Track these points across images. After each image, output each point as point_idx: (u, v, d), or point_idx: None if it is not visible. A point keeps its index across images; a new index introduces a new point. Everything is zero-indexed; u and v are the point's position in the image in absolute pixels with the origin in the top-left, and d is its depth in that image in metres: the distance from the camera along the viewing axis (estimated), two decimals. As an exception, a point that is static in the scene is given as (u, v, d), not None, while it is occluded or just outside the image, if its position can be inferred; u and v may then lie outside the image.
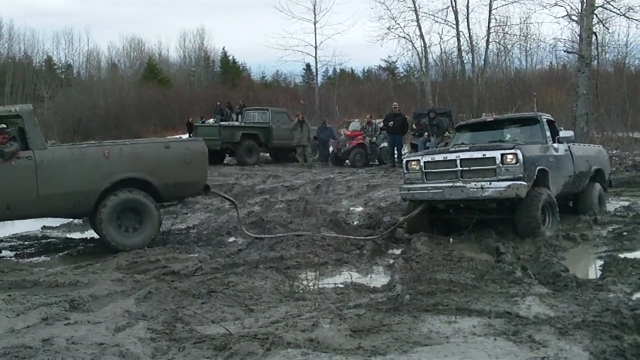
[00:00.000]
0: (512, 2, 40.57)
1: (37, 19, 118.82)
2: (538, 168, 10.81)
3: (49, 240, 12.67)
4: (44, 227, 13.73)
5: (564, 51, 35.15)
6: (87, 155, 10.78)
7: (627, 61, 41.24)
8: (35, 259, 10.80)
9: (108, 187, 10.68)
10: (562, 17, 31.96)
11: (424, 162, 11.30)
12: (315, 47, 51.11)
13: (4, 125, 10.41)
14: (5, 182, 10.13)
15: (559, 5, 31.99)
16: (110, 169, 10.72)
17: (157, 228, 11.10)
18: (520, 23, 44.60)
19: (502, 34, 42.56)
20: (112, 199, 10.67)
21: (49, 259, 10.75)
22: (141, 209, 10.87)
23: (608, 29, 31.58)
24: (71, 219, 13.95)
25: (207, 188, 11.78)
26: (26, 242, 12.32)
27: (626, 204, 14.91)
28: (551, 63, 53.54)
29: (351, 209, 15.31)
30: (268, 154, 32.16)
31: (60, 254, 11.04)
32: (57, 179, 10.40)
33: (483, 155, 10.75)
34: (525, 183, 10.35)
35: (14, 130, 10.64)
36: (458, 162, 10.87)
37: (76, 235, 13.40)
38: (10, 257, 11.05)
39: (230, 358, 5.36)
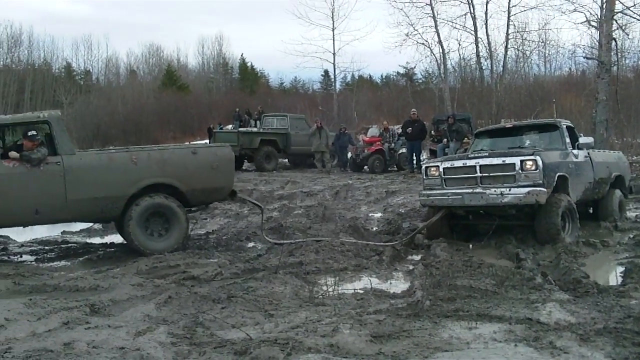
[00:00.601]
0: (530, 9, 40.57)
1: (57, 26, 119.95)
2: (558, 174, 10.76)
3: (69, 245, 12.73)
4: (63, 232, 13.81)
5: (584, 57, 35.01)
6: (115, 161, 10.87)
7: (646, 67, 41.01)
8: (55, 263, 10.85)
9: (136, 192, 10.76)
10: (581, 23, 32.01)
11: (444, 168, 11.28)
12: (334, 54, 51.11)
13: (34, 132, 10.51)
14: (34, 187, 10.24)
15: (578, 12, 32.01)
16: (138, 174, 10.80)
17: (185, 233, 11.16)
18: (539, 29, 44.22)
19: (520, 40, 42.42)
20: (141, 203, 10.74)
21: (69, 263, 10.77)
22: (169, 214, 10.94)
23: (628, 35, 31.50)
24: (91, 224, 14.02)
25: (233, 193, 11.83)
26: (46, 247, 12.38)
27: (647, 210, 14.83)
28: (570, 69, 53.49)
29: (370, 214, 15.29)
30: (286, 160, 32.21)
31: (81, 258, 11.07)
32: (85, 184, 10.49)
33: (502, 161, 10.71)
34: (545, 189, 10.31)
35: (42, 135, 10.74)
36: (477, 168, 10.85)
37: (96, 240, 13.48)
38: (31, 261, 11.11)
39: (250, 363, 5.38)
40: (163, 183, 10.96)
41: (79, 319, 6.79)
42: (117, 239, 13.26)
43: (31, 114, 11.29)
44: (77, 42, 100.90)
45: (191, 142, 39.85)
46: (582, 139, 12.29)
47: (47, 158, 10.38)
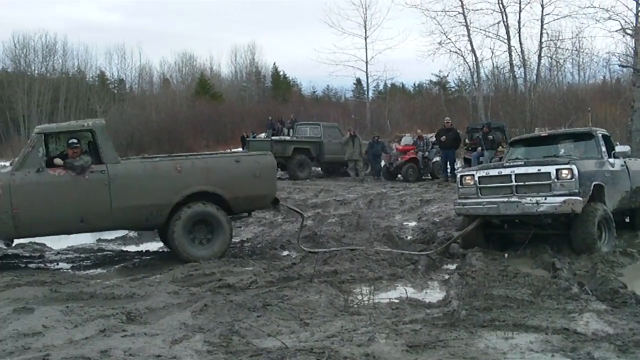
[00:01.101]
0: (564, 17, 40.05)
1: (91, 35, 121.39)
2: (594, 183, 10.67)
3: (105, 252, 12.84)
4: (99, 240, 13.91)
5: (619, 65, 34.70)
6: (159, 169, 11.00)
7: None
8: (91, 271, 10.95)
9: (180, 200, 10.86)
10: (616, 31, 31.51)
11: (479, 177, 11.23)
12: (366, 62, 51.07)
13: (75, 140, 10.66)
14: (80, 195, 10.39)
15: (613, 19, 31.50)
16: (182, 182, 10.90)
17: (229, 241, 11.22)
18: (573, 37, 43.83)
19: (554, 49, 42.09)
20: (186, 211, 10.85)
21: (104, 271, 10.87)
22: (213, 222, 11.01)
23: (664, 42, 31.05)
24: (126, 232, 14.13)
25: (276, 201, 11.89)
26: (82, 255, 12.50)
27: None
28: (604, 77, 53.00)
29: (404, 223, 15.25)
30: (320, 168, 32.23)
31: (116, 266, 11.16)
32: (130, 193, 10.63)
33: (538, 170, 10.65)
34: (581, 198, 10.23)
35: (85, 144, 10.94)
36: (513, 177, 10.79)
37: (131, 247, 13.58)
38: (67, 269, 11.22)
39: (286, 371, 5.41)
40: (207, 191, 11.03)
41: (115, 327, 6.85)
42: (152, 246, 13.39)
43: (76, 123, 11.47)
44: (111, 50, 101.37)
45: (232, 150, 39.91)
46: (619, 148, 12.19)
47: (92, 167, 10.54)
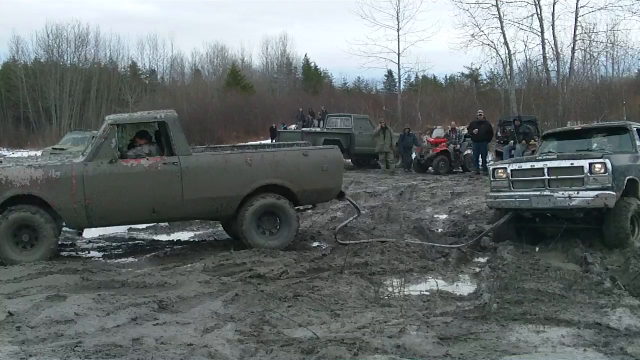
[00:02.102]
0: (599, 9, 39.63)
1: (123, 25, 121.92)
2: (627, 178, 10.57)
3: (136, 241, 12.93)
4: (130, 229, 14.00)
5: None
6: (230, 162, 11.12)
7: None
8: (122, 259, 11.06)
9: (250, 192, 10.99)
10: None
11: (511, 170, 11.18)
12: (398, 54, 50.70)
13: (147, 130, 11.16)
14: (152, 186, 10.58)
15: (650, 11, 31.21)
16: (252, 175, 11.04)
17: (295, 232, 11.31)
18: (607, 30, 43.32)
19: (588, 42, 41.67)
20: (255, 203, 10.98)
21: (136, 260, 10.98)
22: (280, 214, 11.15)
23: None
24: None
25: (341, 194, 11.97)
26: (114, 243, 12.61)
27: None
28: (639, 70, 52.35)
29: (435, 216, 15.21)
30: (350, 160, 32.17)
31: (147, 255, 11.26)
32: (201, 184, 10.79)
33: (571, 164, 10.59)
34: (614, 193, 10.16)
35: (150, 133, 11.35)
36: (546, 170, 10.73)
37: (162, 237, 13.61)
38: (99, 257, 11.34)
39: (317, 361, 5.43)
40: (275, 184, 11.15)
41: (147, 315, 6.92)
42: (183, 236, 13.46)
43: (148, 114, 11.64)
44: (143, 41, 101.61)
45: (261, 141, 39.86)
46: (654, 142, 12.04)
47: (165, 158, 10.76)
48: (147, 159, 10.69)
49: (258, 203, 10.98)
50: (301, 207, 12.05)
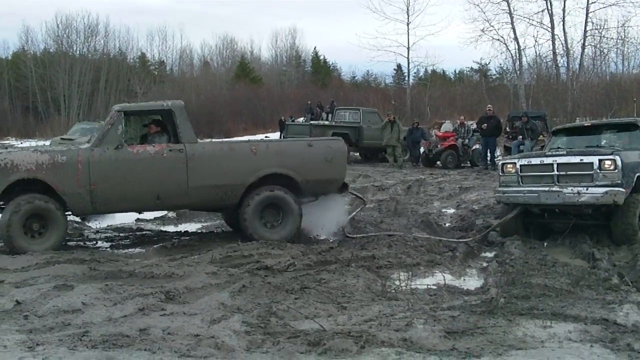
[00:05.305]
0: (610, 5, 39.52)
1: (132, 16, 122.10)
2: (637, 175, 10.53)
3: (144, 232, 12.95)
4: (138, 220, 14.03)
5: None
6: (235, 151, 11.18)
7: None
8: (130, 250, 11.08)
9: (255, 181, 11.02)
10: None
11: (520, 165, 11.15)
12: (408, 48, 50.77)
13: (158, 118, 11.32)
14: (157, 173, 10.64)
15: (662, 8, 31.11)
16: (257, 164, 11.07)
17: (298, 225, 11.30)
18: (618, 26, 43.21)
19: (598, 38, 41.59)
20: (259, 194, 11.01)
21: (143, 250, 10.96)
22: (284, 206, 11.15)
23: None
24: (165, 212, 14.20)
25: (345, 186, 11.97)
26: (121, 234, 12.63)
27: None
28: (650, 67, 52.13)
29: (443, 210, 15.19)
30: (358, 154, 32.18)
31: (155, 246, 11.23)
32: (206, 172, 10.83)
33: (580, 160, 10.55)
34: (623, 190, 10.12)
35: (154, 121, 11.44)
36: (555, 166, 10.70)
37: (170, 228, 13.67)
38: (106, 247, 11.37)
39: (324, 354, 5.44)
40: (280, 173, 11.17)
41: (154, 306, 6.93)
42: (190, 227, 13.49)
43: (155, 103, 11.92)
44: (152, 32, 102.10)
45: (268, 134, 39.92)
46: (665, 139, 11.99)
47: (171, 145, 10.81)
48: (153, 146, 10.76)
49: (262, 195, 11.01)
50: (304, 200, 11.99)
